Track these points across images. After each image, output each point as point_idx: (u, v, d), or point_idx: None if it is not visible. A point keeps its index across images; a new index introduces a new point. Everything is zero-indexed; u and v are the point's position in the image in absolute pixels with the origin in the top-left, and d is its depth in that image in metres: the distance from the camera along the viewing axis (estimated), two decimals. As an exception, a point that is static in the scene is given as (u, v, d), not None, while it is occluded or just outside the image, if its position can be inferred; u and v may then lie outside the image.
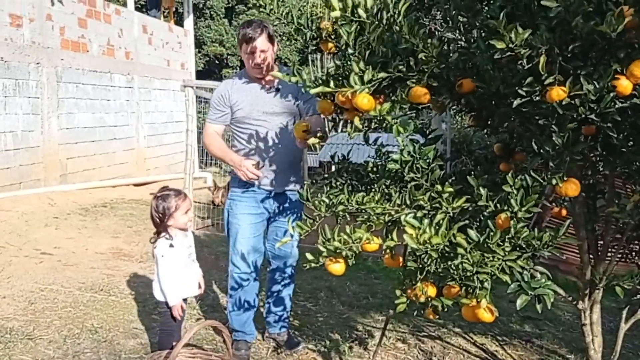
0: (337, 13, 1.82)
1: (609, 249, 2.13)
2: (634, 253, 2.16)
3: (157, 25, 10.71)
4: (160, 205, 2.50)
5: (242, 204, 2.83)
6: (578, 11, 1.48)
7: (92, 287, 3.85)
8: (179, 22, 12.82)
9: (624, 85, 1.51)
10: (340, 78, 1.87)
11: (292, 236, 2.15)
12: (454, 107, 2.14)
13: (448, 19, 1.89)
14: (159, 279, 2.53)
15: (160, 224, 2.53)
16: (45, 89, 7.47)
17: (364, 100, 1.78)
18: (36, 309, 3.38)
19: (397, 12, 1.73)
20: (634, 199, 1.87)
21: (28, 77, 7.16)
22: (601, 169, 2.04)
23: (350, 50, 1.83)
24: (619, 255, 2.10)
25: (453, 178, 1.99)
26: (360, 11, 1.77)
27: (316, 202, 1.89)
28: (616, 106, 1.54)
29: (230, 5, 21.68)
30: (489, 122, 2.26)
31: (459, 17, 1.88)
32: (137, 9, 10.48)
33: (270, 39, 2.71)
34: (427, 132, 2.22)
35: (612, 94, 1.51)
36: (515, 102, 1.64)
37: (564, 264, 4.22)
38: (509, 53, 1.57)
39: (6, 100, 6.81)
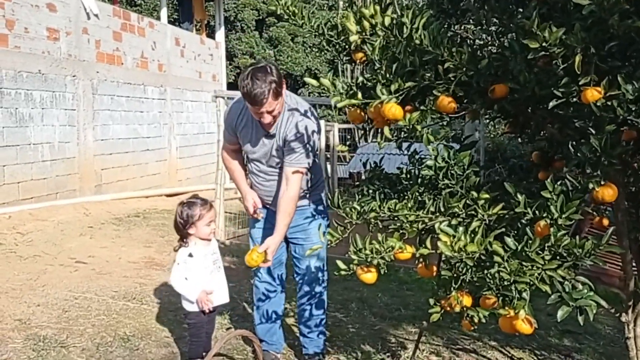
0: (355, 37, 1.82)
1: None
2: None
3: (189, 37, 10.90)
4: (184, 212, 2.51)
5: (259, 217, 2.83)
6: (614, 10, 1.43)
7: (125, 295, 3.88)
8: (211, 34, 13.02)
9: (670, 85, 1.44)
10: (368, 90, 1.85)
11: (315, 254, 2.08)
12: (488, 113, 2.09)
13: (482, 22, 1.85)
14: (173, 284, 2.55)
15: (182, 230, 2.53)
16: (81, 101, 7.66)
17: (392, 109, 1.76)
18: (70, 317, 3.42)
19: (415, 28, 1.71)
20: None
21: (65, 89, 7.35)
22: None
23: (376, 64, 1.81)
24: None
25: (489, 185, 1.93)
26: (379, 31, 1.76)
27: (347, 209, 1.86)
28: (660, 107, 1.47)
29: (260, 17, 21.93)
30: (526, 129, 2.21)
31: (493, 19, 1.84)
32: (170, 22, 10.69)
33: (277, 95, 2.43)
34: (462, 138, 2.17)
35: (654, 94, 1.44)
36: (552, 103, 1.59)
37: (606, 276, 4.06)
38: (542, 53, 1.52)
39: (44, 112, 7.00)
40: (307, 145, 2.58)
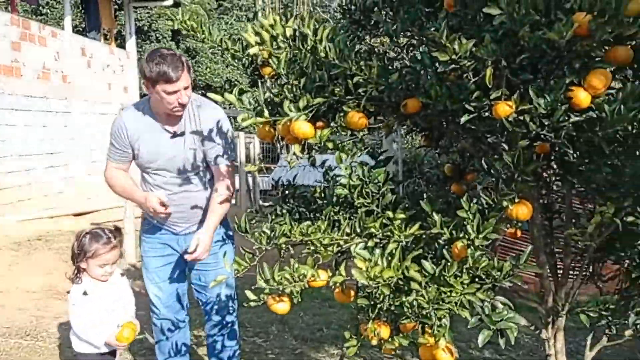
0: (254, 50, 1.69)
1: (570, 272, 2.03)
2: (596, 277, 2.06)
3: (96, 47, 10.32)
4: (80, 243, 2.24)
5: (149, 245, 2.59)
6: (525, 21, 1.38)
7: (18, 332, 3.49)
8: (122, 44, 12.44)
9: (582, 97, 1.41)
10: (276, 106, 1.72)
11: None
12: (402, 127, 2.02)
13: (393, 34, 1.76)
14: (73, 329, 2.27)
15: (74, 261, 2.26)
16: (-26, 116, 7.00)
17: (302, 127, 1.65)
18: (-49, 361, 3.02)
19: (319, 39, 1.60)
20: (595, 220, 1.77)
21: (-47, 103, 6.69)
22: (557, 189, 1.95)
23: (283, 79, 1.68)
24: (581, 279, 2.00)
25: (406, 202, 1.84)
26: (281, 43, 1.63)
27: (256, 234, 1.71)
28: (571, 120, 1.44)
29: (177, 28, 21.36)
30: (440, 142, 2.16)
31: (404, 32, 1.77)
32: (78, 31, 10.08)
33: (189, 68, 2.35)
34: (377, 153, 2.09)
35: (564, 108, 1.41)
36: (463, 119, 1.52)
37: (524, 290, 4.15)
38: (453, 66, 1.45)
39: None
40: (228, 137, 2.44)
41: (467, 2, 1.65)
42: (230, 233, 2.62)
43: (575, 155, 1.58)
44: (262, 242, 1.69)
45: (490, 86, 1.42)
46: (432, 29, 1.67)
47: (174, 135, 2.43)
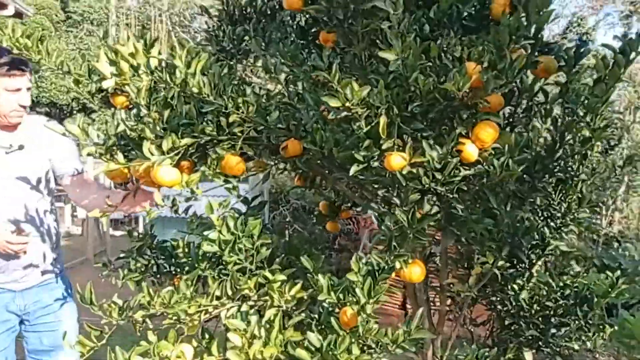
0: (110, 82, 1.41)
1: (446, 321, 1.98)
2: (468, 321, 2.04)
3: None
4: None
5: None
6: (416, 66, 1.28)
7: None
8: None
9: (470, 151, 1.34)
10: (133, 146, 1.43)
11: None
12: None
13: (270, 67, 1.58)
14: None
15: None
16: None
17: (166, 175, 1.38)
18: None
19: (191, 73, 1.37)
20: (475, 271, 1.73)
21: None
22: (438, 238, 1.89)
23: (143, 110, 1.40)
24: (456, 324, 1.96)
25: (283, 256, 1.64)
26: (144, 76, 1.38)
27: (105, 306, 1.39)
28: (461, 174, 1.36)
29: (6, 46, 19.23)
30: (317, 184, 2.01)
31: (284, 66, 1.59)
32: None
33: (31, 73, 2.07)
34: (250, 199, 1.87)
35: (455, 160, 1.32)
36: (353, 170, 1.37)
37: (384, 315, 4.17)
38: (345, 113, 1.30)
39: None
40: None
41: (352, 41, 1.53)
42: (71, 291, 2.23)
43: (461, 207, 1.51)
44: (112, 316, 1.38)
45: (383, 136, 1.28)
46: (314, 65, 1.53)
47: (11, 147, 2.02)
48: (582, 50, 1.50)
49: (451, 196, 1.35)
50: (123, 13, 16.83)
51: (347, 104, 1.20)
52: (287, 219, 5.33)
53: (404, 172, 1.29)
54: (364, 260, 1.34)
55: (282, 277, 1.45)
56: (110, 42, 1.54)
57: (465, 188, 1.38)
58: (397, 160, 1.29)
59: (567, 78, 1.52)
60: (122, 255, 1.83)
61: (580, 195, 1.98)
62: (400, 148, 1.32)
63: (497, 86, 1.23)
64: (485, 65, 1.23)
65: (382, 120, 1.25)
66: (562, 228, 1.97)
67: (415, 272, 1.37)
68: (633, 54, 1.39)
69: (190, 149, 1.50)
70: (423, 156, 1.30)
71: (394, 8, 1.18)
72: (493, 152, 1.33)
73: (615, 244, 6.25)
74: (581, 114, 1.51)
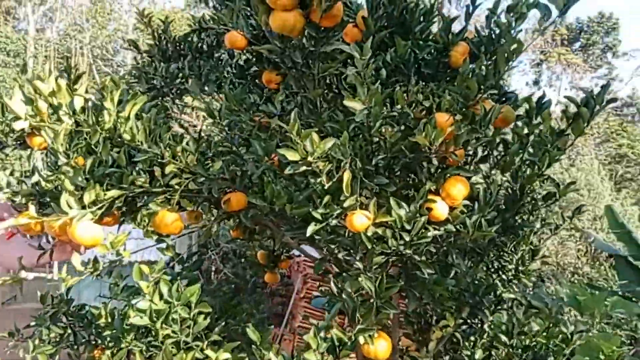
0: (24, 124, 1.19)
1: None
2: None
3: None
4: None
5: None
6: (379, 115, 1.15)
7: None
8: None
9: (440, 209, 1.22)
10: (49, 198, 1.21)
11: None
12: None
13: (212, 114, 1.40)
14: None
15: None
16: None
17: (87, 232, 1.16)
18: None
19: (125, 117, 1.18)
20: (436, 335, 1.60)
21: None
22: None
23: (62, 158, 1.19)
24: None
25: (225, 326, 1.44)
26: (65, 118, 1.17)
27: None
28: (429, 234, 1.23)
29: None
30: (257, 236, 1.83)
31: (227, 111, 1.42)
32: None
33: None
34: (184, 258, 1.66)
35: (423, 219, 1.20)
36: (310, 230, 1.20)
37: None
38: (304, 167, 1.14)
39: None
40: None
41: (306, 85, 1.39)
42: None
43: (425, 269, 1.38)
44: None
45: (347, 193, 1.13)
46: (265, 112, 1.37)
47: None
48: (543, 101, 1.45)
49: (418, 259, 1.22)
50: (42, 45, 15.95)
51: (309, 158, 1.04)
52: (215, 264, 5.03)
53: (369, 234, 1.15)
54: (322, 334, 1.17)
55: (226, 355, 1.25)
56: (29, 76, 1.31)
57: (433, 249, 1.25)
58: (361, 220, 1.14)
59: (528, 129, 1.46)
60: (32, 323, 1.56)
61: (532, 247, 1.92)
62: (364, 205, 1.18)
63: (471, 138, 1.12)
64: (458, 117, 1.12)
65: (347, 175, 1.10)
66: (513, 280, 1.90)
67: (381, 346, 1.21)
68: (597, 107, 1.35)
69: (117, 202, 1.29)
70: (389, 215, 1.16)
71: (359, 53, 1.05)
72: (465, 210, 1.22)
73: (541, 283, 6.41)
74: (542, 166, 1.44)
